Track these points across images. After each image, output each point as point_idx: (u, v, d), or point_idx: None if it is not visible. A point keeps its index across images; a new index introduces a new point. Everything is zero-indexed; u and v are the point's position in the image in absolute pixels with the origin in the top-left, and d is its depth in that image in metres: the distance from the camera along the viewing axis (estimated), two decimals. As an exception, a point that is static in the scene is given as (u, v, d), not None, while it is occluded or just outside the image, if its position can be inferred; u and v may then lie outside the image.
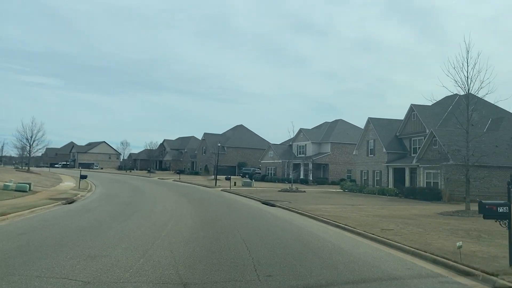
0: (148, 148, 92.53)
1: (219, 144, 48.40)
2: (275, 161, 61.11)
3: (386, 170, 39.22)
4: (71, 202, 23.31)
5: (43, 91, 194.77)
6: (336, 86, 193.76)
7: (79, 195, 27.95)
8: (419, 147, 35.70)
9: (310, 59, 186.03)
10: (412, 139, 38.63)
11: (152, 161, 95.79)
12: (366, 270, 8.38)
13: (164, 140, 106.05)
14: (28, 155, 58.77)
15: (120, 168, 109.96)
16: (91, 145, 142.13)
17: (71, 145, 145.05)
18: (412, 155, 37.08)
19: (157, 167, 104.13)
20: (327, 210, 21.19)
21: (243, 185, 46.94)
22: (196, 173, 79.81)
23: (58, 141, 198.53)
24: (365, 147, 42.79)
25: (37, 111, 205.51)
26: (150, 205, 23.33)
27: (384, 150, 39.18)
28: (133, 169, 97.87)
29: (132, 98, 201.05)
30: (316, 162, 56.36)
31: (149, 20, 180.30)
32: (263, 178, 59.38)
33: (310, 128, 62.37)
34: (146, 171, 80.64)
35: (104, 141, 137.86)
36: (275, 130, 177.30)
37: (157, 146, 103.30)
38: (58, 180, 47.04)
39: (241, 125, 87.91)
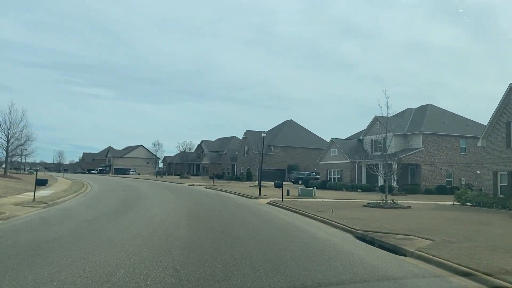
0: (182, 149, 79.75)
1: (264, 134, 33.38)
2: (341, 161, 45.24)
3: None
4: None
5: (98, 101, 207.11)
6: (378, 88, 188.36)
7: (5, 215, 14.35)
8: None
9: (356, 63, 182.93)
10: None
11: (187, 164, 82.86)
12: None
13: (202, 141, 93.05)
14: (5, 153, 46.57)
15: (157, 173, 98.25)
16: (128, 149, 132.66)
17: (108, 149, 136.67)
18: None
19: (194, 172, 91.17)
20: None
21: (300, 195, 31.77)
22: (237, 178, 65.47)
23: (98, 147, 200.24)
24: (503, 133, 26.13)
25: (92, 121, 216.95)
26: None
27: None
28: (165, 174, 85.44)
29: (179, 106, 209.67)
30: (402, 162, 39.83)
31: (195, 30, 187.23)
32: (324, 185, 43.75)
33: (389, 115, 45.72)
34: (180, 176, 67.43)
35: (142, 145, 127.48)
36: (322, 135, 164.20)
37: (194, 148, 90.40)
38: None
39: (291, 120, 72.79)
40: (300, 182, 56.89)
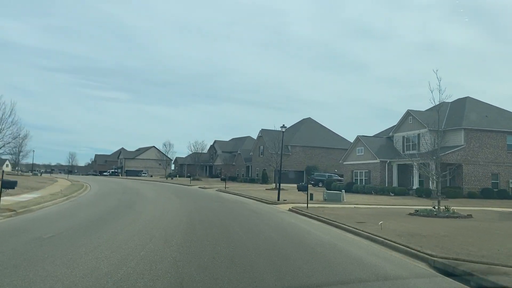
0: (193, 149, 75.71)
1: (283, 129, 28.75)
2: (369, 161, 40.40)
3: None
4: None
5: (113, 104, 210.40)
6: (399, 92, 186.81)
7: None
8: None
9: (372, 65, 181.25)
10: None
11: (200, 166, 78.75)
12: None
13: (215, 142, 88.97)
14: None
15: (169, 175, 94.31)
16: (140, 151, 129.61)
17: (120, 151, 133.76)
18: None
19: (206, 173, 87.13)
20: None
21: (326, 200, 27.19)
22: (252, 181, 61.04)
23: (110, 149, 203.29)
24: None
25: (108, 123, 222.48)
26: None
27: None
28: (176, 176, 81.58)
29: (193, 109, 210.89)
30: (441, 161, 34.74)
31: (209, 34, 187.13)
32: (349, 188, 38.99)
33: (422, 110, 40.75)
34: (191, 178, 63.31)
35: (154, 146, 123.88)
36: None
37: (207, 149, 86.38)
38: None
39: (309, 118, 68.06)
40: (320, 185, 52.22)
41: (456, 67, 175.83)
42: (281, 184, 44.91)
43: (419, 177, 35.75)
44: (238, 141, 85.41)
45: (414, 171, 35.61)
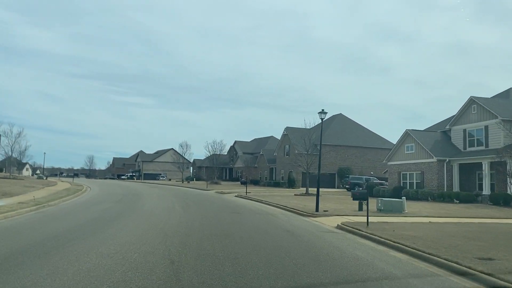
0: (211, 149, 69.39)
1: (323, 116, 21.64)
2: (422, 160, 33.06)
3: None
4: None
5: (139, 110, 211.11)
6: (425, 94, 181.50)
7: None
8: None
9: (396, 67, 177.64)
10: None
11: (218, 168, 72.43)
12: None
13: (236, 142, 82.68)
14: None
15: (186, 178, 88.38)
16: (158, 153, 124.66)
17: (138, 154, 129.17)
18: None
19: (227, 176, 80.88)
20: None
21: (382, 210, 20.19)
22: (276, 184, 54.23)
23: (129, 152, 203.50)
24: None
25: (132, 128, 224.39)
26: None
27: None
28: (193, 179, 75.55)
29: (216, 113, 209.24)
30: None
31: (232, 38, 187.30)
32: (397, 193, 31.81)
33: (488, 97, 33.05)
34: (208, 182, 57.02)
35: (172, 148, 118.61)
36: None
37: (227, 150, 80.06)
38: None
39: (341, 114, 60.83)
40: (357, 189, 45.01)
41: (483, 67, 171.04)
42: (311, 188, 38.31)
43: (491, 180, 28.27)
44: (260, 142, 78.86)
45: (484, 172, 28.16)
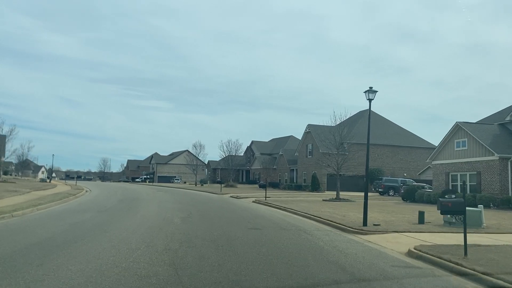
0: (226, 149, 64.47)
1: (371, 95, 16.40)
2: (478, 158, 27.34)
3: None
4: None
5: (157, 113, 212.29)
6: (443, 94, 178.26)
7: None
8: None
9: (413, 68, 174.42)
10: None
11: (234, 170, 67.52)
12: None
13: (253, 143, 77.73)
14: None
15: (201, 181, 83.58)
16: (173, 155, 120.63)
17: (152, 156, 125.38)
18: None
19: (243, 179, 75.95)
20: None
21: (452, 223, 14.74)
22: (298, 187, 48.94)
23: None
24: None
25: (149, 132, 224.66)
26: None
27: None
28: (207, 182, 70.75)
29: (232, 116, 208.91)
30: None
31: (248, 41, 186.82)
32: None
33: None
34: (222, 185, 52.15)
35: (187, 150, 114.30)
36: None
37: (243, 151, 75.13)
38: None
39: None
40: (392, 193, 39.47)
41: (502, 67, 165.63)
42: (333, 192, 32.99)
43: None
44: (279, 142, 73.67)
45: None
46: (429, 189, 33.39)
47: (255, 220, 16.10)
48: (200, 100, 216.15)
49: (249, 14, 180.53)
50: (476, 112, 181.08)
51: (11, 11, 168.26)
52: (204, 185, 64.51)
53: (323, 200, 29.20)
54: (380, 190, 40.30)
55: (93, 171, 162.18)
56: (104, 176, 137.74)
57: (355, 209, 21.38)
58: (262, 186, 27.81)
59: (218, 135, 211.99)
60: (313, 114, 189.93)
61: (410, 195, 31.00)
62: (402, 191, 33.68)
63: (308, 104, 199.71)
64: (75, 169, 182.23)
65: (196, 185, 62.61)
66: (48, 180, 52.23)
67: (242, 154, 75.16)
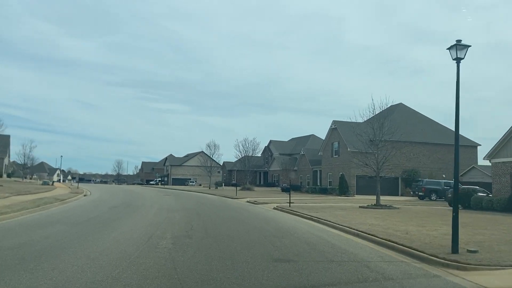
0: (242, 149, 59.61)
1: (460, 55, 11.41)
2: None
3: None
4: None
5: (173, 116, 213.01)
6: (464, 95, 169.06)
7: None
8: None
9: (431, 68, 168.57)
10: None
11: (251, 172, 62.64)
12: None
13: (271, 142, 72.81)
14: None
15: (216, 184, 78.85)
16: (188, 156, 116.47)
17: (167, 157, 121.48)
18: None
19: (261, 181, 71.02)
20: None
21: None
22: (323, 191, 43.68)
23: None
24: None
25: (167, 134, 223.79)
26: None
27: None
28: (221, 185, 66.02)
29: (247, 119, 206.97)
30: None
31: (263, 44, 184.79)
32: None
33: None
34: (238, 188, 47.26)
35: (202, 151, 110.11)
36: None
37: (261, 152, 70.23)
38: None
39: (401, 104, 49.51)
40: (434, 197, 33.96)
41: None
42: (365, 196, 27.78)
43: None
44: (299, 141, 68.54)
45: None
46: (482, 193, 27.81)
47: (282, 240, 11.14)
48: (216, 103, 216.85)
49: (263, 16, 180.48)
50: (499, 113, 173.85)
51: (31, 17, 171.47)
52: (218, 187, 59.81)
53: (360, 206, 24.02)
54: (420, 193, 34.83)
55: (110, 173, 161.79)
56: (119, 178, 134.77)
57: (410, 220, 16.26)
58: (285, 190, 22.90)
59: (234, 137, 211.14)
60: (332, 116, 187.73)
61: (464, 201, 25.49)
62: (450, 195, 28.17)
63: (324, 105, 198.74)
64: (93, 172, 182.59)
65: (209, 188, 57.89)
66: (50, 183, 48.39)
67: (259, 155, 70.28)
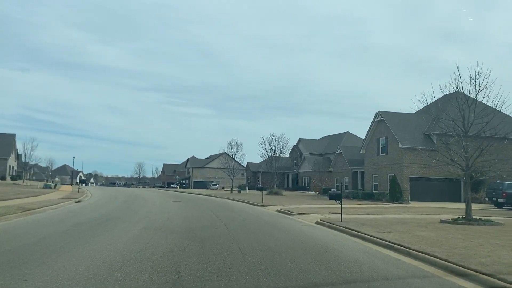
0: (268, 148, 52.82)
1: None
2: None
3: None
4: None
5: (199, 120, 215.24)
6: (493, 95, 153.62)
7: None
8: None
9: (460, 68, 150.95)
10: None
11: (279, 174, 55.73)
12: None
13: (300, 141, 65.85)
14: None
15: (240, 187, 72.19)
16: (210, 158, 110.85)
17: (188, 159, 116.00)
18: None
19: (289, 184, 64.11)
20: None
21: None
22: (369, 196, 36.29)
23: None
24: None
25: (194, 138, 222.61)
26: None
27: None
28: (245, 189, 59.38)
29: (272, 122, 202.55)
30: None
31: (287, 46, 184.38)
32: None
33: None
34: (264, 192, 40.51)
35: (225, 152, 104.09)
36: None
37: (289, 151, 63.24)
38: None
39: (458, 92, 41.50)
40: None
41: None
42: (423, 203, 20.41)
43: None
44: (332, 140, 61.29)
45: None
46: None
47: None
48: (241, 106, 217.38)
49: (288, 19, 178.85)
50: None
51: (63, 25, 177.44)
52: (241, 191, 53.24)
53: (442, 221, 16.85)
54: (499, 200, 27.27)
55: (134, 176, 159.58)
56: (142, 181, 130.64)
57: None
58: (335, 198, 15.78)
59: (258, 139, 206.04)
60: (358, 119, 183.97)
61: None
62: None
63: (350, 108, 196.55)
64: (120, 175, 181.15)
65: (231, 192, 51.33)
66: (52, 186, 43.28)
67: (287, 155, 63.37)
